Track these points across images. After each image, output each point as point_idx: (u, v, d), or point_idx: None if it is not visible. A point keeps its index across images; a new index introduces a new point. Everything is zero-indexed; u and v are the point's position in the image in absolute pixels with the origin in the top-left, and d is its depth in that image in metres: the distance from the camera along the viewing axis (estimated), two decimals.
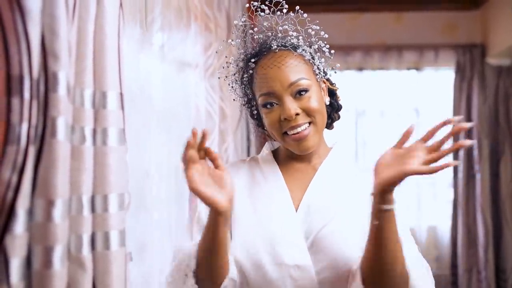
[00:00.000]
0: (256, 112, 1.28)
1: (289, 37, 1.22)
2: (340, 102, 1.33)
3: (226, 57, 1.30)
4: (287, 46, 1.21)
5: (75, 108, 0.88)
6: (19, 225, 0.72)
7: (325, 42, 1.25)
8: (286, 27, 1.22)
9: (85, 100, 0.91)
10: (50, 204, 0.77)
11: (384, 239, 1.02)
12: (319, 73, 1.24)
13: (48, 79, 0.77)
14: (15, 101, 0.72)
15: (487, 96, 3.98)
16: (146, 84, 1.59)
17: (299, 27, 1.22)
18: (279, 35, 1.22)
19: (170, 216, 1.73)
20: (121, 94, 0.99)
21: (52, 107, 0.77)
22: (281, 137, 1.20)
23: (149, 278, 1.53)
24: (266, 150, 1.34)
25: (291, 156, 1.27)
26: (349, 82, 4.19)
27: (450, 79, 4.10)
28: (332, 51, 1.25)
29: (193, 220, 1.25)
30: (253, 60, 1.22)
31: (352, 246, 1.13)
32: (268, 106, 1.18)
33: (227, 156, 2.43)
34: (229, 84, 1.30)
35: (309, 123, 1.18)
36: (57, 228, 0.77)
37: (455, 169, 4.01)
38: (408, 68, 4.22)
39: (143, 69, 1.58)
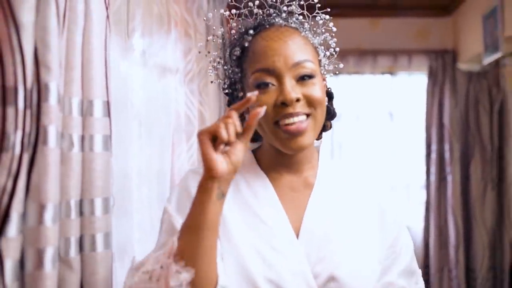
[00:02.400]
0: (239, 98, 1.07)
1: (295, 16, 1.06)
2: (335, 110, 1.17)
3: (214, 28, 1.13)
4: (294, 25, 1.05)
5: (64, 116, 0.92)
6: (13, 229, 0.76)
7: (332, 36, 1.11)
8: (293, 7, 1.06)
9: (73, 108, 0.95)
10: (42, 208, 0.81)
11: None
12: (323, 66, 1.10)
13: (40, 89, 0.81)
14: (10, 111, 0.75)
15: (458, 100, 4.10)
16: (127, 90, 1.62)
17: (306, 12, 1.07)
18: (283, 13, 1.06)
19: (152, 219, 1.77)
20: (107, 102, 1.03)
21: (44, 116, 0.81)
22: (271, 128, 1.00)
23: None
24: (249, 154, 1.12)
25: (277, 162, 1.08)
26: None
27: (423, 83, 4.22)
28: (337, 49, 1.12)
29: (162, 230, 1.05)
30: (251, 32, 1.04)
31: (368, 280, 1.01)
32: (263, 86, 0.98)
33: None
34: (210, 62, 1.11)
35: (307, 115, 1.00)
36: (48, 231, 0.81)
37: (428, 171, 4.13)
38: (383, 73, 4.32)
39: (124, 74, 1.61)
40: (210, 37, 1.11)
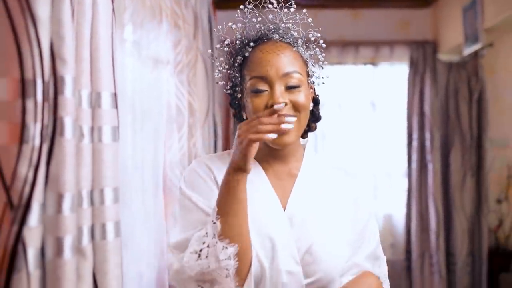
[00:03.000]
0: (238, 98, 1.27)
1: (290, 33, 1.23)
2: (320, 114, 1.34)
3: (222, 37, 1.27)
4: (288, 41, 1.22)
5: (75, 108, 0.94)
6: (34, 218, 0.78)
7: (322, 51, 1.29)
8: (290, 25, 1.23)
9: (82, 100, 0.96)
10: (60, 197, 0.83)
11: None
12: (311, 76, 1.26)
13: (56, 81, 0.83)
14: (30, 103, 0.77)
15: (439, 90, 4.19)
16: (120, 81, 1.63)
17: (301, 29, 1.25)
18: (281, 30, 1.23)
19: (147, 208, 1.79)
20: (114, 94, 1.05)
21: (60, 108, 0.83)
22: None
23: (128, 266, 1.58)
24: None
25: (268, 154, 1.26)
26: None
27: (404, 73, 4.29)
28: (325, 62, 1.29)
29: (185, 212, 1.21)
30: (252, 44, 1.22)
31: (339, 258, 1.20)
32: (257, 91, 1.17)
33: (196, 150, 2.49)
34: (217, 66, 1.28)
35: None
36: (67, 220, 0.84)
37: (409, 159, 4.22)
38: (365, 63, 4.39)
39: (118, 66, 1.62)
40: (218, 45, 1.29)
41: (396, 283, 4.26)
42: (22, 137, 0.77)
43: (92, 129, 0.99)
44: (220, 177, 1.19)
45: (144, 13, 1.84)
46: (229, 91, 1.29)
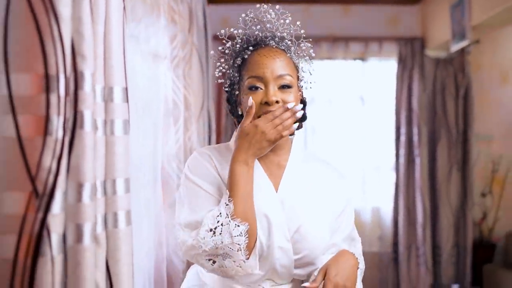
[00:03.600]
0: (236, 95, 1.42)
1: (285, 42, 1.40)
2: (306, 114, 1.46)
3: (224, 40, 1.42)
4: (283, 48, 1.39)
5: None
6: (57, 206, 0.82)
7: (312, 59, 1.45)
8: (284, 34, 1.39)
9: (97, 95, 1.01)
10: (80, 187, 0.88)
11: None
12: (300, 80, 1.42)
13: (77, 77, 0.87)
14: (53, 97, 0.82)
15: (426, 85, 4.28)
16: None
17: (294, 40, 1.41)
18: (277, 38, 1.39)
19: (146, 200, 1.84)
20: (125, 88, 1.09)
21: (80, 102, 0.88)
22: (255, 119, 1.31)
23: None
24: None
25: None
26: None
27: (393, 69, 4.37)
28: (314, 69, 1.45)
29: (192, 196, 1.33)
30: (251, 48, 1.38)
31: (322, 239, 1.37)
32: (253, 88, 1.32)
33: (191, 144, 2.54)
34: (218, 66, 1.44)
35: None
36: (86, 208, 0.88)
37: (397, 153, 4.31)
38: (354, 59, 4.46)
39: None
40: (220, 47, 1.44)
41: (383, 274, 4.36)
42: (46, 130, 0.81)
43: (105, 122, 1.04)
44: (219, 165, 1.37)
45: (143, 8, 1.88)
46: (227, 89, 1.45)
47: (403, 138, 4.26)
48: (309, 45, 1.42)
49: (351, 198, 1.49)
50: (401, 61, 4.30)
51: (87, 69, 0.89)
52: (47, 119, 0.81)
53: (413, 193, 4.25)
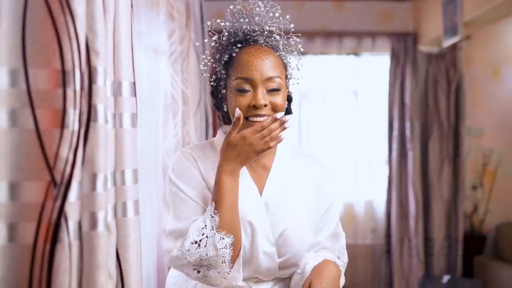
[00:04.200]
0: (221, 91, 1.38)
1: (273, 37, 1.35)
2: (292, 110, 1.46)
3: (210, 32, 1.39)
4: (272, 45, 1.35)
5: None
6: (74, 194, 0.87)
7: (300, 55, 1.41)
8: (273, 28, 1.35)
9: (107, 89, 1.05)
10: (94, 176, 0.92)
11: None
12: (289, 79, 1.38)
13: (91, 72, 0.91)
14: (70, 92, 0.86)
15: (419, 80, 4.34)
16: None
17: (283, 34, 1.36)
18: (265, 33, 1.35)
19: (150, 190, 1.88)
20: (133, 83, 1.13)
21: (94, 96, 0.92)
22: (243, 122, 1.29)
23: None
24: (221, 137, 1.39)
25: None
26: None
27: (386, 64, 4.43)
28: (301, 65, 1.40)
29: (176, 201, 1.34)
30: (239, 45, 1.34)
31: (306, 241, 1.39)
32: (242, 91, 1.30)
33: (189, 138, 2.58)
34: (203, 58, 1.40)
35: (269, 116, 1.29)
36: (100, 197, 0.93)
37: (390, 147, 4.37)
38: (348, 54, 4.51)
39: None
40: (206, 40, 1.43)
41: (376, 266, 4.44)
42: (63, 122, 0.86)
43: (114, 115, 1.08)
44: (203, 166, 1.37)
45: (144, 5, 1.92)
46: (213, 83, 1.42)
47: (395, 132, 4.33)
48: (298, 40, 1.38)
49: (335, 193, 1.49)
50: (394, 56, 4.36)
51: (100, 65, 0.93)
52: (64, 112, 0.86)
53: (406, 186, 4.32)
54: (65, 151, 0.85)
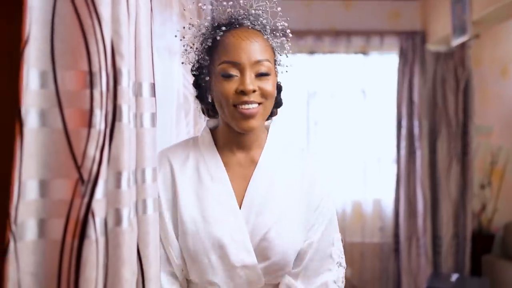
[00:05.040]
0: (205, 80, 1.27)
1: (260, 20, 1.25)
2: (282, 100, 1.38)
3: (191, 18, 1.33)
4: (259, 28, 1.25)
5: None
6: (100, 192, 0.90)
7: (288, 40, 1.30)
8: (260, 12, 1.26)
9: (130, 90, 1.08)
10: (119, 174, 0.95)
11: None
12: (278, 64, 1.30)
13: (116, 74, 0.95)
14: (96, 93, 0.89)
15: (427, 79, 4.36)
16: None
17: (269, 17, 1.27)
18: (251, 16, 1.25)
19: None
20: (153, 84, 1.16)
21: (119, 96, 0.95)
22: (230, 109, 1.21)
23: None
24: (207, 135, 1.33)
25: (231, 140, 1.30)
26: (301, 65, 4.45)
27: (394, 63, 4.45)
28: (290, 51, 1.31)
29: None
30: (223, 28, 1.23)
31: (294, 242, 1.25)
32: (228, 76, 1.19)
33: None
34: (183, 46, 1.30)
35: (259, 104, 1.21)
36: (124, 194, 0.96)
37: (398, 146, 4.39)
38: (356, 52, 4.53)
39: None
40: (185, 26, 1.31)
41: (384, 264, 4.46)
42: (90, 122, 0.89)
43: (135, 115, 1.11)
44: (179, 169, 1.28)
45: (158, 5, 1.95)
46: (195, 72, 1.32)
47: (404, 130, 4.35)
48: (286, 24, 1.28)
49: (328, 188, 1.35)
50: (402, 55, 4.38)
51: (124, 67, 0.96)
52: (91, 112, 0.89)
53: (414, 185, 4.33)
54: (92, 150, 0.88)
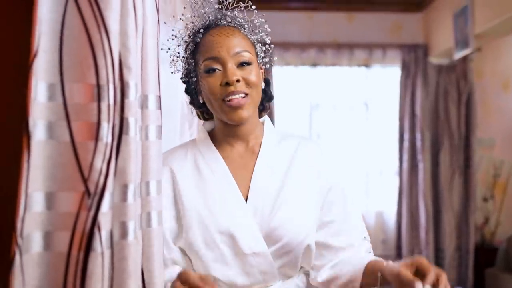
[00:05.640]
0: (194, 83, 1.32)
1: (237, 19, 1.30)
2: (272, 93, 1.41)
3: (172, 30, 1.36)
4: (236, 25, 1.29)
5: None
6: (106, 204, 0.90)
7: (267, 35, 1.33)
8: (236, 13, 1.29)
9: (136, 102, 1.08)
10: (125, 187, 0.95)
11: None
12: (259, 57, 1.33)
13: (123, 87, 0.95)
14: (104, 106, 0.89)
15: (429, 92, 4.37)
16: None
17: (246, 17, 1.31)
18: (228, 16, 1.29)
19: None
20: (159, 96, 1.16)
21: (126, 109, 0.95)
22: (219, 104, 1.24)
23: None
24: (203, 133, 1.37)
25: (228, 134, 1.32)
26: (304, 77, 4.46)
27: (396, 76, 4.47)
28: (272, 46, 1.34)
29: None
30: (202, 30, 1.29)
31: (302, 227, 1.26)
32: (211, 71, 1.23)
33: None
34: (170, 56, 1.35)
35: (246, 94, 1.24)
36: (130, 207, 0.96)
37: (401, 158, 4.39)
38: (358, 65, 4.56)
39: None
40: (169, 37, 1.36)
41: None
42: (97, 135, 0.89)
43: (141, 127, 1.11)
44: (178, 169, 1.30)
45: (163, 16, 1.96)
46: (184, 79, 1.36)
47: (406, 143, 4.35)
48: (263, 20, 1.32)
49: (337, 170, 1.38)
50: (405, 68, 4.40)
51: (132, 80, 0.97)
52: (98, 125, 0.89)
53: (416, 198, 4.33)
54: (99, 163, 0.88)
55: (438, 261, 4.29)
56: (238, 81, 1.22)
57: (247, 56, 1.24)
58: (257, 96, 1.28)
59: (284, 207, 1.25)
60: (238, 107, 1.23)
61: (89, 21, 0.89)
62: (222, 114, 1.26)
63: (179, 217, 1.28)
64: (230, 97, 1.22)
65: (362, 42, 4.45)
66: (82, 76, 0.89)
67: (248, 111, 1.25)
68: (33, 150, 0.85)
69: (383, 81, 4.56)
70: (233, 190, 1.28)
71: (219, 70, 1.23)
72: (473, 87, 4.30)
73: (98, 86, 0.90)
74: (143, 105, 1.13)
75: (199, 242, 1.24)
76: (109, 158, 0.90)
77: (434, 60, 4.38)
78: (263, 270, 1.24)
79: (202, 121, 1.45)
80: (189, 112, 2.44)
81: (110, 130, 0.91)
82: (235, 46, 1.24)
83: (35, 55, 0.84)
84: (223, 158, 1.32)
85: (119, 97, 0.95)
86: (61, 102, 0.88)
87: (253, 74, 1.25)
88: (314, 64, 4.49)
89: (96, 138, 0.89)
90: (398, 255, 4.38)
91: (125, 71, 0.96)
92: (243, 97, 1.23)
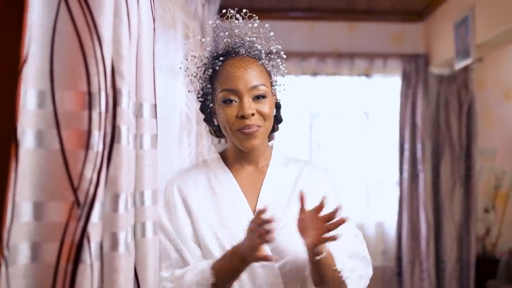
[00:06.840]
0: (209, 106, 1.40)
1: (255, 47, 1.36)
2: (282, 117, 1.48)
3: (192, 51, 1.43)
4: (253, 55, 1.36)
5: None
6: (96, 215, 0.88)
7: (283, 61, 1.40)
8: (254, 39, 1.36)
9: (130, 111, 1.06)
10: (116, 197, 0.93)
11: (324, 277, 1.27)
12: (274, 86, 1.40)
13: (115, 94, 0.93)
14: (95, 114, 0.87)
15: (430, 101, 4.35)
16: None
17: (264, 42, 1.38)
18: (246, 44, 1.36)
19: None
20: (154, 105, 1.15)
21: (118, 117, 0.94)
22: (234, 133, 1.32)
23: None
24: (215, 154, 1.46)
25: (239, 157, 1.41)
26: (304, 87, 4.45)
27: (397, 85, 4.45)
28: (286, 71, 1.41)
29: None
30: (221, 58, 1.35)
31: (302, 250, 1.28)
32: (228, 102, 1.30)
33: (202, 157, 2.59)
34: (188, 76, 1.42)
35: (259, 126, 1.32)
36: (121, 217, 0.94)
37: (401, 168, 4.36)
38: (359, 75, 4.53)
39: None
40: (189, 58, 1.43)
41: None
42: (88, 144, 0.87)
43: (135, 136, 1.09)
44: (190, 195, 1.37)
45: (162, 25, 1.95)
46: (200, 99, 1.43)
47: (407, 153, 4.32)
48: (279, 47, 1.38)
49: (338, 191, 1.46)
50: (405, 78, 4.38)
51: (124, 87, 0.95)
52: (89, 133, 0.87)
53: (417, 208, 4.29)
54: (89, 172, 0.86)
55: (439, 273, 4.25)
56: (253, 114, 1.30)
57: (262, 89, 1.32)
58: (269, 125, 1.36)
59: (290, 224, 1.29)
60: (251, 136, 1.31)
61: (82, 28, 0.88)
62: (236, 140, 1.34)
63: (193, 227, 1.35)
64: (245, 130, 1.30)
65: (362, 52, 4.44)
66: (73, 84, 0.87)
67: (261, 139, 1.34)
68: (21, 158, 0.83)
69: (384, 90, 4.54)
70: (243, 205, 1.36)
71: (236, 101, 1.30)
72: (474, 97, 4.28)
73: (90, 93, 0.88)
74: (138, 113, 1.12)
75: (210, 254, 1.31)
76: (100, 167, 0.88)
77: (435, 70, 4.36)
78: (270, 282, 1.30)
79: (206, 131, 1.53)
80: (188, 121, 2.43)
81: (101, 139, 0.89)
82: (253, 80, 1.31)
83: (24, 61, 0.82)
84: (234, 177, 1.40)
85: (111, 105, 0.93)
86: (51, 110, 0.87)
87: (267, 106, 1.33)
88: (315, 74, 4.47)
89: (87, 146, 0.87)
90: (399, 266, 4.34)
91: (117, 78, 0.94)
92: (257, 129, 1.31)
